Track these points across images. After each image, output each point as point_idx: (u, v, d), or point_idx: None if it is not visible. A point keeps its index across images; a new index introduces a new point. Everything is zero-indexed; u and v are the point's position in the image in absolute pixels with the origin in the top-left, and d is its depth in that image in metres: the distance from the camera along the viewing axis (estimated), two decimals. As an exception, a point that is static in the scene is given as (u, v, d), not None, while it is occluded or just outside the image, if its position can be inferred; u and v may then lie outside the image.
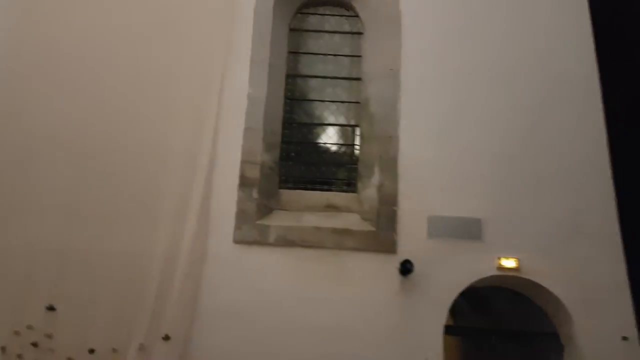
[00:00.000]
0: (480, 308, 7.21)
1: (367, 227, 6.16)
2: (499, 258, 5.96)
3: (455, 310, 6.31)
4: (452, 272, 5.95)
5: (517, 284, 6.14)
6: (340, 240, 6.10)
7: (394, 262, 5.93)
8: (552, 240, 6.06)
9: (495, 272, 5.97)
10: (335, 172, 6.77)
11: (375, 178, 6.33)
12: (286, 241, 6.13)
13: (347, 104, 7.01)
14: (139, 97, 6.44)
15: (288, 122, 6.90)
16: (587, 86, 6.59)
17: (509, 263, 5.94)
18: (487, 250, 6.03)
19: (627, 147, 6.41)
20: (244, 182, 6.32)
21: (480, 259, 6.00)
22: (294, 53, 7.19)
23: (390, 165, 6.31)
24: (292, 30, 7.25)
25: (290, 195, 6.60)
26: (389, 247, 6.03)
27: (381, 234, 6.09)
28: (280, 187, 6.64)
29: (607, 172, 6.28)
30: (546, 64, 6.70)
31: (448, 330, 5.96)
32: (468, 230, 6.10)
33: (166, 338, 5.65)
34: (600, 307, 5.81)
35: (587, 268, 5.94)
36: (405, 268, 5.82)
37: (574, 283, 5.90)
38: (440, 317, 5.86)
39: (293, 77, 7.09)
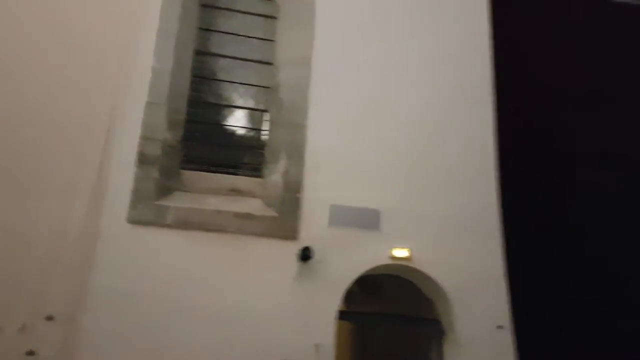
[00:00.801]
0: (372, 294, 7.53)
1: (270, 212, 6.17)
2: (393, 248, 6.25)
3: (349, 296, 6.54)
4: (349, 260, 6.14)
5: (407, 272, 6.49)
6: (243, 225, 6.06)
7: (294, 249, 6.01)
8: (440, 232, 6.45)
9: (389, 261, 6.25)
10: (241, 156, 6.69)
11: (282, 165, 6.35)
12: (186, 224, 5.98)
13: (257, 87, 6.93)
14: (36, 64, 5.93)
15: (194, 101, 6.69)
16: (482, 91, 7.04)
17: (402, 253, 6.24)
18: (382, 240, 6.29)
19: (512, 150, 6.95)
20: (143, 160, 6.06)
21: (375, 248, 6.25)
22: (205, 30, 6.96)
23: (296, 153, 6.36)
24: (203, 6, 7.01)
25: (192, 176, 6.43)
26: (291, 233, 6.09)
27: (284, 220, 6.13)
28: (183, 168, 6.44)
29: (492, 172, 6.76)
30: (449, 66, 7.07)
31: (341, 315, 6.18)
32: (366, 220, 6.32)
33: (49, 318, 5.32)
34: (479, 297, 6.28)
35: (468, 260, 6.38)
36: (305, 255, 5.92)
37: (457, 274, 6.32)
38: (334, 303, 6.04)
39: (202, 55, 6.87)
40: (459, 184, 6.67)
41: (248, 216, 6.10)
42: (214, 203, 6.18)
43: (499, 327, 6.12)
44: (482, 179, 6.72)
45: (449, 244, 6.43)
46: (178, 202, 6.10)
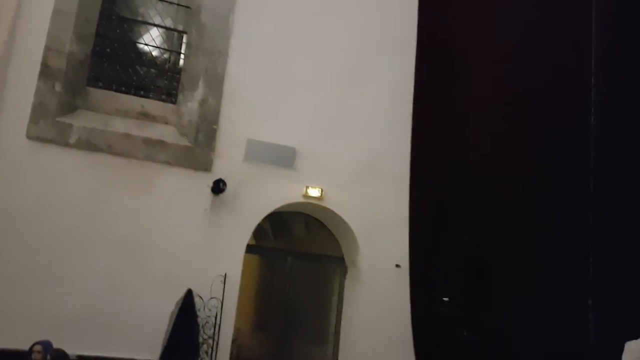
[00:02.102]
0: (281, 231, 7.66)
1: (183, 141, 5.97)
2: (306, 187, 6.33)
3: (258, 231, 6.61)
4: (262, 196, 6.16)
5: (318, 211, 6.64)
6: (153, 152, 5.83)
7: (207, 181, 5.89)
8: (352, 175, 6.61)
9: (301, 200, 6.35)
10: (154, 79, 6.33)
11: (199, 92, 6.10)
12: (90, 145, 5.66)
13: (176, 6, 6.50)
14: None
15: (106, 14, 6.17)
16: (404, 40, 7.07)
17: (314, 192, 6.36)
18: (296, 179, 6.35)
19: (428, 103, 7.13)
20: (46, 73, 5.58)
21: (289, 186, 6.30)
22: None
23: (216, 82, 6.13)
24: None
25: (100, 95, 6.02)
26: (205, 165, 5.96)
27: (198, 150, 5.97)
28: (89, 85, 6.00)
29: (407, 121, 6.94)
30: (372, 13, 6.99)
31: (250, 248, 6.25)
32: (282, 158, 6.31)
33: None
34: (382, 238, 6.60)
35: (376, 203, 6.64)
36: (218, 187, 5.84)
37: (364, 215, 6.58)
38: (244, 237, 6.10)
39: (118, -37, 6.29)
40: (373, 130, 6.80)
41: (159, 143, 5.87)
42: (122, 126, 5.86)
43: (397, 265, 6.50)
44: (397, 127, 6.88)
45: (359, 187, 6.61)
46: (82, 121, 5.72)
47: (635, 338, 4.60)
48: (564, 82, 6.13)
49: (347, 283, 6.76)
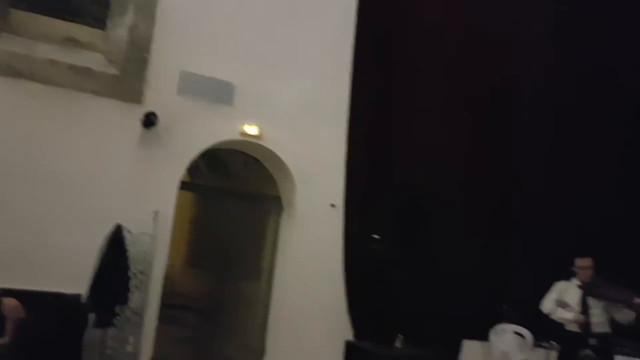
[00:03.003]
0: (217, 168, 7.55)
1: (111, 70, 5.65)
2: (244, 124, 6.21)
3: (194, 168, 6.49)
4: (196, 132, 5.99)
5: (255, 150, 6.56)
6: (80, 81, 5.51)
7: (138, 113, 5.65)
8: (291, 115, 6.50)
9: (238, 137, 6.23)
10: (82, 2, 5.89)
11: (129, 18, 5.73)
12: (12, 70, 5.29)
13: None
14: None
15: None
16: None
17: (252, 130, 6.24)
18: (233, 115, 6.20)
19: (368, 46, 7.04)
20: (-41, -11, 5.09)
21: (226, 123, 6.15)
22: None
23: (147, 7, 5.76)
24: None
25: (23, 17, 5.58)
26: (135, 96, 5.69)
27: (127, 80, 5.68)
28: (12, 7, 5.54)
29: (348, 64, 6.81)
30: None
31: (184, 186, 6.14)
32: (219, 93, 6.12)
33: None
34: (319, 178, 6.61)
35: (315, 143, 6.60)
36: (149, 120, 5.62)
37: (302, 155, 6.53)
38: (177, 173, 5.95)
39: None
40: (315, 70, 6.67)
41: (86, 71, 5.55)
42: (46, 51, 5.49)
43: (332, 205, 6.57)
44: (339, 68, 6.78)
45: (298, 126, 6.54)
46: (4, 45, 5.33)
47: (551, 271, 4.94)
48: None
49: (283, 222, 6.80)
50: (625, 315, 4.45)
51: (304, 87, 6.57)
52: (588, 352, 4.45)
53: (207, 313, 7.52)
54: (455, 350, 7.14)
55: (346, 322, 6.50)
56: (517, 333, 6.13)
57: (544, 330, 4.67)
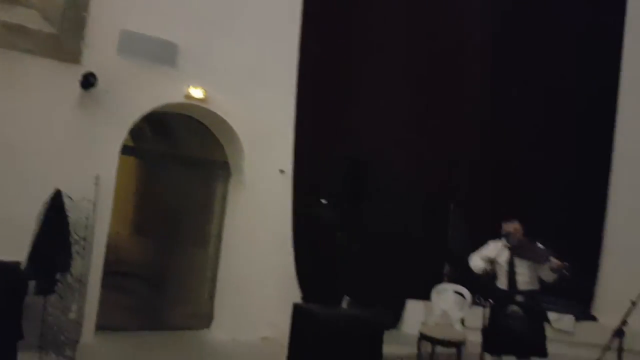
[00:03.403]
0: (162, 133, 7.37)
1: (47, 28, 5.34)
2: (188, 87, 6.05)
3: (137, 132, 6.30)
4: (138, 93, 5.79)
5: (201, 114, 6.43)
6: (14, 39, 5.18)
7: (76, 73, 5.39)
8: (239, 78, 6.37)
9: (183, 100, 6.08)
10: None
11: (65, -28, 5.44)
12: (-64, 26, 4.91)
13: None
14: None
15: None
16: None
17: (197, 93, 6.10)
18: (177, 77, 6.02)
19: (320, 5, 6.96)
20: None
21: (169, 85, 5.97)
22: None
23: (85, -38, 5.47)
24: None
25: (-55, -32, 5.16)
26: (73, 56, 5.41)
27: (64, 39, 5.39)
28: None
29: (297, 28, 6.74)
30: None
31: (126, 150, 5.96)
32: (162, 54, 5.92)
33: None
34: (268, 144, 6.58)
35: (264, 109, 6.53)
36: (88, 81, 5.37)
37: (250, 120, 6.46)
38: (119, 137, 5.77)
39: None
40: (263, 33, 6.55)
41: (20, 29, 5.22)
42: (-24, 7, 5.13)
43: (281, 171, 6.57)
44: (287, 30, 6.70)
45: (246, 90, 6.43)
46: None
47: (489, 233, 5.16)
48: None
49: (231, 188, 6.76)
50: (548, 274, 4.71)
51: (251, 49, 6.44)
52: (515, 307, 4.70)
53: (154, 280, 7.44)
54: (400, 309, 7.42)
55: (295, 286, 6.62)
56: (457, 292, 6.39)
57: (480, 288, 4.90)
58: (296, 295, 6.48)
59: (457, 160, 7.44)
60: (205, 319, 6.57)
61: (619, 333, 3.17)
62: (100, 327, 5.61)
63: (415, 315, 7.08)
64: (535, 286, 4.89)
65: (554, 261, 4.55)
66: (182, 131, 7.12)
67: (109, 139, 5.68)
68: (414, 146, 7.16)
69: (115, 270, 6.65)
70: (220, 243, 6.69)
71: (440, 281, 7.03)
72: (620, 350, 3.16)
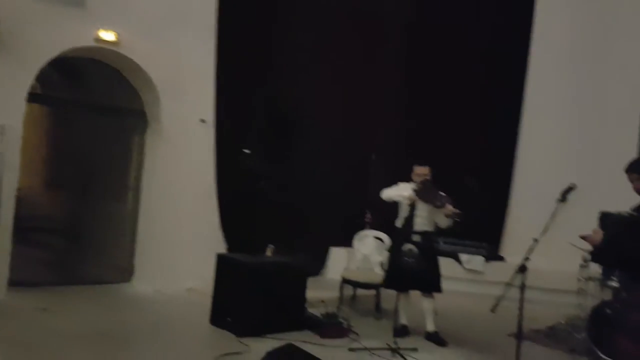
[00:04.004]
0: (73, 80, 6.91)
1: None
2: (98, 29, 5.68)
3: (44, 78, 5.88)
4: (44, 36, 5.39)
5: (113, 59, 6.07)
6: None
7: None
8: (154, 21, 6.06)
9: (93, 44, 5.71)
10: None
11: None
12: None
13: None
14: None
15: None
16: None
17: (109, 36, 5.74)
18: (87, 19, 5.63)
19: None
20: None
21: (78, 27, 5.59)
22: None
23: None
24: None
25: None
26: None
27: (-46, -27, 4.87)
28: None
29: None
30: None
31: (34, 98, 5.56)
32: (68, -7, 5.49)
33: None
34: (187, 92, 6.34)
35: (182, 55, 6.27)
36: (-13, 22, 4.91)
37: (168, 67, 6.19)
38: (24, 83, 5.38)
39: None
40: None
41: None
42: None
43: (202, 120, 6.39)
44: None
45: (162, 34, 6.13)
46: None
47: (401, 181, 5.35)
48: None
49: (149, 138, 6.51)
50: (442, 220, 4.96)
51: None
52: (410, 246, 4.94)
53: (71, 235, 7.16)
54: (324, 257, 7.62)
55: (220, 237, 6.59)
56: (376, 237, 6.63)
57: (396, 233, 5.09)
58: (221, 246, 6.48)
59: (377, 113, 7.61)
60: (126, 273, 6.43)
61: (522, 269, 3.42)
62: (14, 283, 5.37)
63: (338, 262, 7.30)
64: (431, 228, 5.17)
65: (449, 207, 4.79)
66: (95, 78, 6.71)
67: (13, 85, 5.29)
68: (337, 98, 7.21)
69: (29, 226, 6.33)
70: (139, 195, 6.50)
71: (362, 228, 7.26)
72: (522, 286, 3.41)
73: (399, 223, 5.18)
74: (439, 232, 5.26)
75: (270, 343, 3.55)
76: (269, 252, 5.25)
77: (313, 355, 3.30)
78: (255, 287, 4.87)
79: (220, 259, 5.25)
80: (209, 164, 6.49)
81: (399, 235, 5.15)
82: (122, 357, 4.11)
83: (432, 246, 5.20)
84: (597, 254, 3.50)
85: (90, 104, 6.50)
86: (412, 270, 4.91)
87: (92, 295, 5.82)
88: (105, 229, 6.76)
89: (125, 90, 6.43)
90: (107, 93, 6.62)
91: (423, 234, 5.09)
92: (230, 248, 6.47)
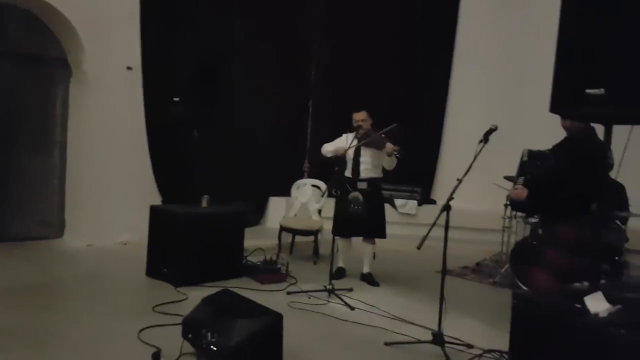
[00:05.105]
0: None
1: None
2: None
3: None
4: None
5: (31, 3, 5.67)
6: None
7: None
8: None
9: (5, -15, 5.29)
10: None
11: None
12: None
13: None
14: None
15: None
16: None
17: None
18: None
19: None
20: None
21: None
22: None
23: None
24: None
25: None
26: None
27: None
28: None
29: None
30: None
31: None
32: None
33: None
34: (111, 38, 6.05)
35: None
36: None
37: (88, 11, 5.86)
38: None
39: None
40: None
41: None
42: None
43: (129, 68, 6.13)
44: None
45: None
46: None
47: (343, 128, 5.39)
48: None
49: (73, 88, 6.20)
50: (388, 162, 5.02)
51: None
52: (355, 194, 5.02)
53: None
54: (262, 206, 7.66)
55: (154, 188, 6.46)
56: (314, 185, 6.72)
57: (332, 179, 5.14)
58: (156, 198, 6.37)
59: (308, 61, 7.57)
60: (56, 228, 6.24)
61: (445, 208, 3.57)
62: None
63: (277, 211, 7.37)
64: (377, 174, 5.24)
65: (389, 145, 4.85)
66: (11, 24, 6.21)
67: None
68: (268, 45, 7.08)
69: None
70: (66, 148, 6.23)
71: (300, 177, 7.32)
72: (447, 224, 3.57)
73: (348, 172, 5.18)
74: (386, 177, 5.31)
75: (207, 291, 3.56)
76: (204, 203, 5.20)
77: (248, 298, 3.36)
78: (191, 238, 4.84)
79: (154, 210, 5.17)
80: (138, 113, 6.28)
81: (343, 184, 5.16)
82: (55, 309, 4.03)
83: (377, 193, 5.25)
84: (521, 207, 3.86)
85: (6, 52, 6.05)
86: (358, 218, 5.00)
87: (21, 251, 5.64)
88: (31, 185, 6.44)
89: (45, 37, 6.04)
90: (25, 41, 6.17)
91: (369, 180, 5.16)
92: (165, 200, 6.37)
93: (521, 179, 3.61)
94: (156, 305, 4.04)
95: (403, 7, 7.90)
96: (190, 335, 3.16)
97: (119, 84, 6.11)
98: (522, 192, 3.49)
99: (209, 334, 2.98)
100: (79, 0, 5.77)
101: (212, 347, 2.94)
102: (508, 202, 5.76)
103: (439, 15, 8.09)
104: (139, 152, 6.32)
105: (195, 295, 3.85)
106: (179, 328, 3.25)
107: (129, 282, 4.88)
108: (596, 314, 2.25)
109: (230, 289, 3.64)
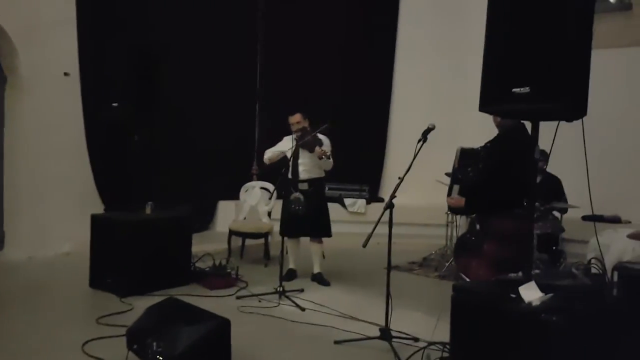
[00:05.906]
0: None
1: None
2: None
3: None
4: None
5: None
6: None
7: None
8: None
9: None
10: None
11: None
12: None
13: None
14: None
15: None
16: None
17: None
18: None
19: None
20: None
21: None
22: None
23: None
24: None
25: None
26: None
27: None
28: None
29: None
30: None
31: None
32: None
33: None
34: (46, 43, 5.84)
35: (40, 2, 5.73)
36: None
37: (23, 16, 5.66)
38: None
39: None
40: None
41: None
42: None
43: (66, 73, 5.95)
44: None
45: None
46: None
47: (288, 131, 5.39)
48: None
49: (9, 94, 5.95)
50: (324, 163, 5.09)
51: None
52: (296, 194, 5.04)
53: None
54: (211, 211, 7.58)
55: (95, 196, 6.28)
56: (263, 188, 6.70)
57: (278, 181, 5.15)
58: (99, 207, 6.19)
59: (252, 61, 7.57)
60: (-5, 239, 5.97)
61: (388, 206, 3.64)
62: None
63: (227, 215, 7.30)
64: (318, 174, 5.28)
65: (317, 150, 4.93)
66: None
67: None
68: (209, 46, 7.02)
69: None
70: (2, 156, 5.97)
71: (249, 180, 7.28)
72: (390, 221, 3.65)
73: (290, 174, 5.20)
74: (334, 177, 5.33)
75: (154, 300, 3.48)
76: (148, 210, 5.08)
77: (194, 305, 3.31)
78: (134, 246, 4.72)
79: (95, 219, 5.01)
80: (77, 119, 6.10)
81: (287, 185, 5.18)
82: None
83: (319, 192, 5.29)
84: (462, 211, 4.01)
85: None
86: (301, 218, 5.02)
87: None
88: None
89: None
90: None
91: (309, 181, 5.18)
92: (107, 207, 6.20)
93: (456, 187, 3.77)
94: (100, 317, 3.93)
95: (346, 2, 8.00)
96: (135, 346, 3.09)
97: (56, 90, 5.92)
98: (460, 201, 3.66)
99: (154, 344, 2.92)
100: (12, 5, 5.54)
101: (158, 356, 2.89)
102: (448, 212, 5.91)
103: (381, 11, 8.22)
104: (79, 159, 6.14)
105: (141, 305, 3.77)
106: (124, 339, 3.18)
107: (72, 294, 4.72)
108: (530, 303, 2.34)
109: (177, 296, 3.59)
